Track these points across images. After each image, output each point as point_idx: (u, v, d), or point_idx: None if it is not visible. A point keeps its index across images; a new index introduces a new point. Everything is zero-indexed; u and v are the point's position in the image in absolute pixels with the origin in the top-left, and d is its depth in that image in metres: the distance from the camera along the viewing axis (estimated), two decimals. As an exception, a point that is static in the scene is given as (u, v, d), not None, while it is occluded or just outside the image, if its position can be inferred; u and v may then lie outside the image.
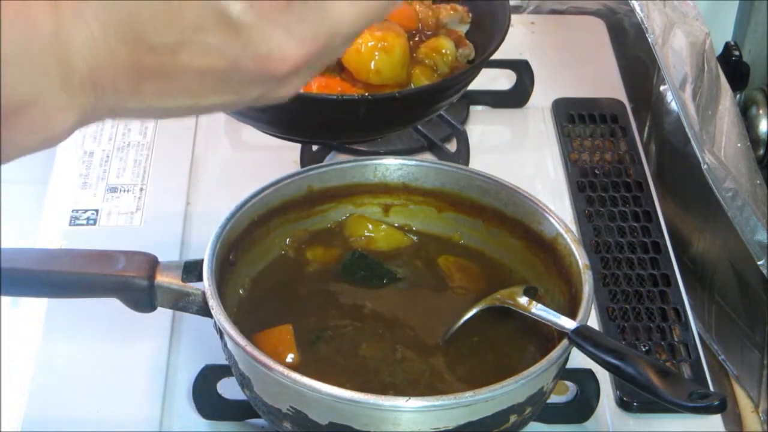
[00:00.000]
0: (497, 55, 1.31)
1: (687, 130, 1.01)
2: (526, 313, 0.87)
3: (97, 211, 1.10)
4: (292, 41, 0.56)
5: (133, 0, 0.54)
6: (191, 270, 0.88)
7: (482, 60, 0.91)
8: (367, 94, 0.88)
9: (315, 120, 0.91)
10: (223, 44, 0.55)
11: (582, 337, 0.81)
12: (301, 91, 0.90)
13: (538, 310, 0.86)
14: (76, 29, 0.54)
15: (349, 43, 0.59)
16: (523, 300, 0.88)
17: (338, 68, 0.93)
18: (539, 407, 0.85)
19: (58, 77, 0.54)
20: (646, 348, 1.00)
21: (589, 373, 0.90)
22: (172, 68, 0.55)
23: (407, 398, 0.77)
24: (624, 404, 0.95)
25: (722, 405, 0.75)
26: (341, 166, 0.98)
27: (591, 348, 0.80)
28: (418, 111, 0.91)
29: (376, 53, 0.87)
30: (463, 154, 1.16)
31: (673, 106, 1.20)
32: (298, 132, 0.94)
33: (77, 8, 0.54)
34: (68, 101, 0.55)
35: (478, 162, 1.15)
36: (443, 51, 0.93)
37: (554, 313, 0.85)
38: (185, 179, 1.15)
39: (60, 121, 0.55)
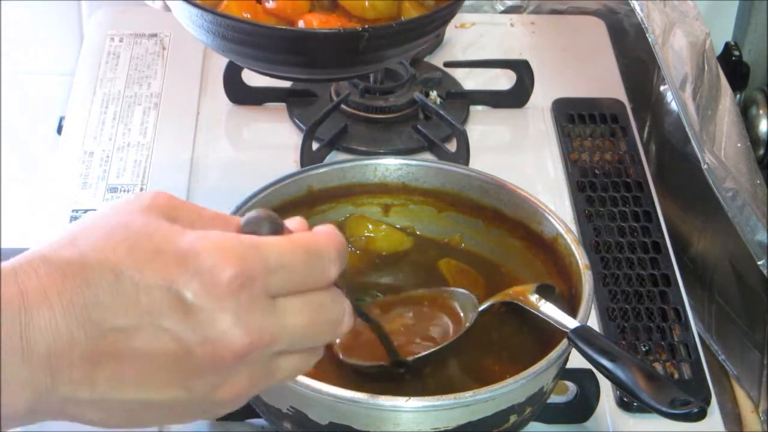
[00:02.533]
0: (497, 55, 1.32)
1: (687, 130, 1.01)
2: (533, 310, 0.87)
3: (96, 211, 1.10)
4: (238, 329, 0.58)
5: (93, 286, 0.56)
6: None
7: None
8: (367, 26, 0.94)
9: (317, 55, 0.96)
10: (175, 326, 0.57)
11: (578, 338, 0.81)
12: (303, 27, 0.93)
13: (546, 308, 0.86)
14: (40, 309, 0.55)
15: (294, 354, 0.62)
16: (533, 297, 0.88)
17: (333, 6, 0.97)
18: (539, 407, 0.85)
19: (20, 352, 0.55)
20: (646, 348, 1.00)
21: (589, 373, 0.90)
22: (125, 352, 0.57)
23: (407, 398, 0.77)
24: (624, 404, 0.95)
25: (701, 413, 0.75)
26: (341, 166, 0.98)
27: (584, 348, 0.81)
28: (412, 41, 0.98)
29: None
30: (463, 154, 1.16)
31: (673, 106, 1.20)
32: (299, 69, 0.99)
33: (44, 289, 0.56)
34: (27, 377, 0.55)
35: (478, 162, 1.15)
36: None
37: (560, 311, 0.85)
38: (185, 179, 1.15)
39: (17, 395, 0.55)
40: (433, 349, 0.86)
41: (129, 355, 0.57)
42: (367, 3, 0.96)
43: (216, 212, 0.63)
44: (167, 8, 0.99)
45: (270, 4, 0.96)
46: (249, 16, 0.96)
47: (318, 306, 0.61)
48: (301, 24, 0.96)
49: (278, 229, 0.62)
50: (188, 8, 0.95)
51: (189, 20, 0.96)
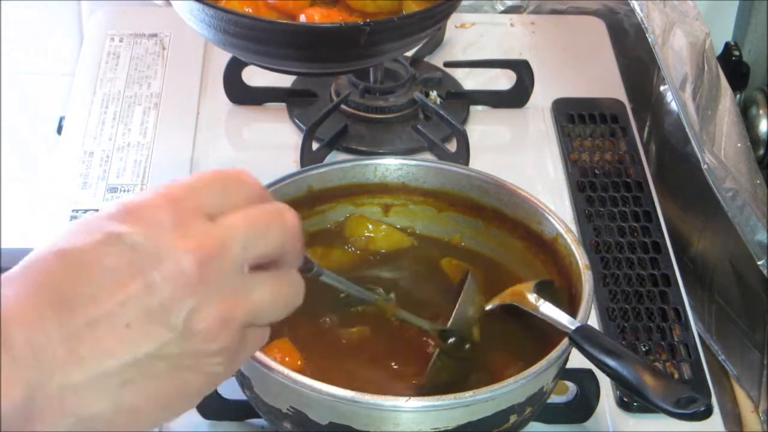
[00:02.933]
0: (497, 55, 1.32)
1: (687, 130, 1.01)
2: (532, 312, 0.87)
3: (97, 210, 1.10)
4: (182, 240, 0.60)
5: (54, 269, 0.58)
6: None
7: None
8: (368, 20, 0.95)
9: (319, 49, 0.97)
10: (129, 266, 0.59)
11: (581, 338, 0.81)
12: (305, 21, 0.93)
13: (545, 308, 0.86)
14: (16, 302, 0.57)
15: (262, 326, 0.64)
16: (532, 297, 0.87)
17: (333, 0, 0.98)
18: (539, 407, 0.85)
19: (3, 348, 0.56)
20: (646, 348, 1.00)
21: (589, 373, 0.90)
22: (96, 316, 0.58)
23: (407, 398, 0.77)
24: (624, 404, 0.95)
25: (707, 411, 0.75)
26: (341, 166, 0.98)
27: (588, 348, 0.80)
28: (413, 35, 0.99)
29: None
30: (463, 154, 1.16)
31: (673, 106, 1.20)
32: (300, 63, 1.00)
33: (12, 282, 0.58)
34: (14, 370, 0.56)
35: (478, 162, 1.15)
36: None
37: (559, 311, 0.85)
38: (185, 179, 1.14)
39: (9, 389, 0.56)
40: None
41: (101, 318, 0.58)
42: None
43: None
44: (169, 3, 0.99)
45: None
46: (250, 10, 0.96)
47: (254, 217, 0.63)
48: (302, 18, 0.96)
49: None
50: (189, 2, 0.95)
51: (190, 14, 0.96)
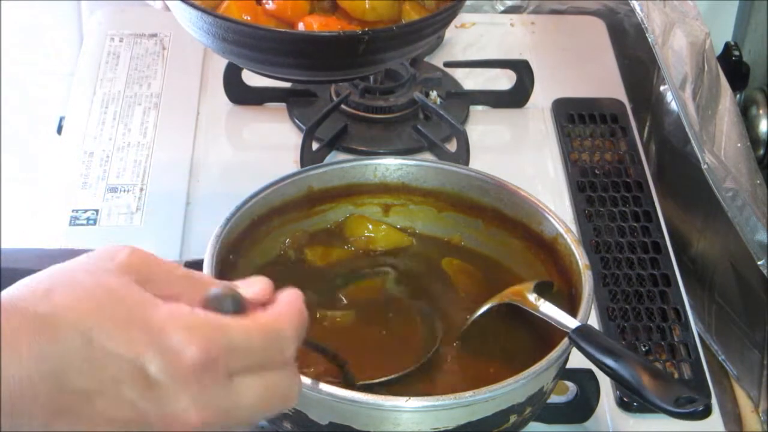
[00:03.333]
0: (497, 55, 1.32)
1: (687, 130, 1.01)
2: (532, 311, 0.87)
3: (97, 211, 1.10)
4: (195, 409, 0.60)
5: (62, 345, 0.58)
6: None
7: None
8: (367, 29, 0.94)
9: (317, 58, 0.96)
10: (136, 398, 0.59)
11: (581, 337, 0.81)
12: (303, 30, 0.93)
13: (545, 307, 0.86)
14: (10, 356, 0.57)
15: (247, 424, 0.64)
16: (532, 297, 0.88)
17: (333, 8, 0.97)
18: (539, 407, 0.85)
19: None
20: (646, 348, 1.00)
21: (589, 373, 0.90)
22: (85, 412, 0.59)
23: (407, 398, 0.77)
24: (624, 404, 0.95)
25: (706, 411, 0.75)
26: (341, 166, 0.98)
27: (588, 348, 0.80)
28: (413, 44, 0.97)
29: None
30: (463, 154, 1.16)
31: (673, 106, 1.20)
32: (299, 71, 0.99)
33: (16, 339, 0.57)
34: None
35: (478, 162, 1.15)
36: None
37: (559, 310, 0.85)
38: (185, 179, 1.15)
39: None
40: (390, 377, 0.85)
41: (88, 415, 0.59)
42: (367, 5, 0.96)
43: (187, 272, 0.65)
44: (167, 8, 0.99)
45: (270, 6, 0.96)
46: (249, 18, 0.95)
47: (273, 385, 0.64)
48: (301, 26, 0.96)
49: (240, 307, 0.64)
50: (188, 10, 0.94)
51: (189, 22, 0.96)
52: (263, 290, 0.67)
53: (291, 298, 0.66)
